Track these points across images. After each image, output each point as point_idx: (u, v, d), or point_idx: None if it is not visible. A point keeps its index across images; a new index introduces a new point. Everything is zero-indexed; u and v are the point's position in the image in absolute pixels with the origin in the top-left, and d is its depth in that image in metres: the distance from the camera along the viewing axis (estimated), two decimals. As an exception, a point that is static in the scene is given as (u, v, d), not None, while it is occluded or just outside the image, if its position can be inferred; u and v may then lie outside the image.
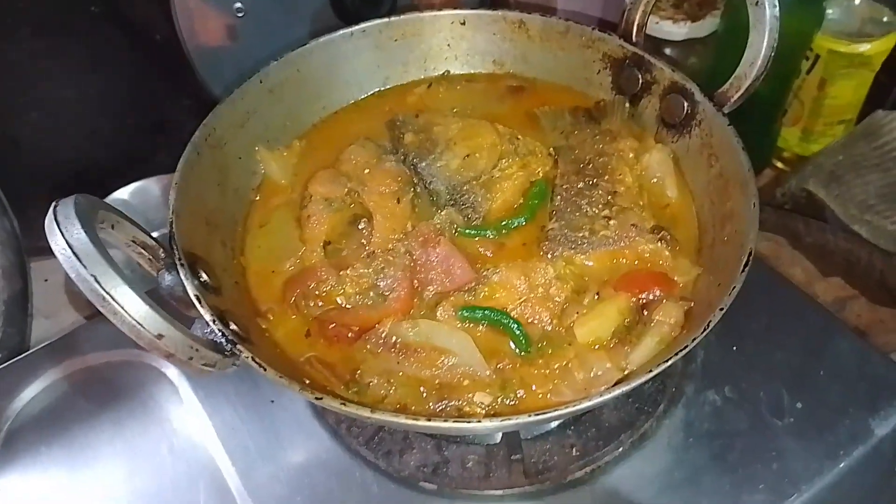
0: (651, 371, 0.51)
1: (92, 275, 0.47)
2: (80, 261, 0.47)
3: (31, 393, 0.76)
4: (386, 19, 0.79)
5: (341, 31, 0.78)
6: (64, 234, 0.48)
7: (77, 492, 0.70)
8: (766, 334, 0.75)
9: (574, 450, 0.67)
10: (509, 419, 0.51)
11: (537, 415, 0.50)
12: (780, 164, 1.07)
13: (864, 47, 0.91)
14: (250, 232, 0.71)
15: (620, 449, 0.68)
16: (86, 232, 0.48)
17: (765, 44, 0.65)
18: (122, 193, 0.99)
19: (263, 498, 0.67)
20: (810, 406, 0.69)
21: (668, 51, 1.00)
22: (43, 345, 0.81)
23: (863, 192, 0.93)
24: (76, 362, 0.79)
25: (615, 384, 0.56)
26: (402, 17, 0.79)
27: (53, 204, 0.50)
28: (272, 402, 0.73)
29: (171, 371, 0.76)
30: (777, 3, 0.64)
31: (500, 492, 0.66)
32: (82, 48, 0.96)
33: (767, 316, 0.76)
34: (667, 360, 0.52)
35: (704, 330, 0.53)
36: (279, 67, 0.75)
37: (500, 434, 0.66)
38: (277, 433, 0.72)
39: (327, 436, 0.71)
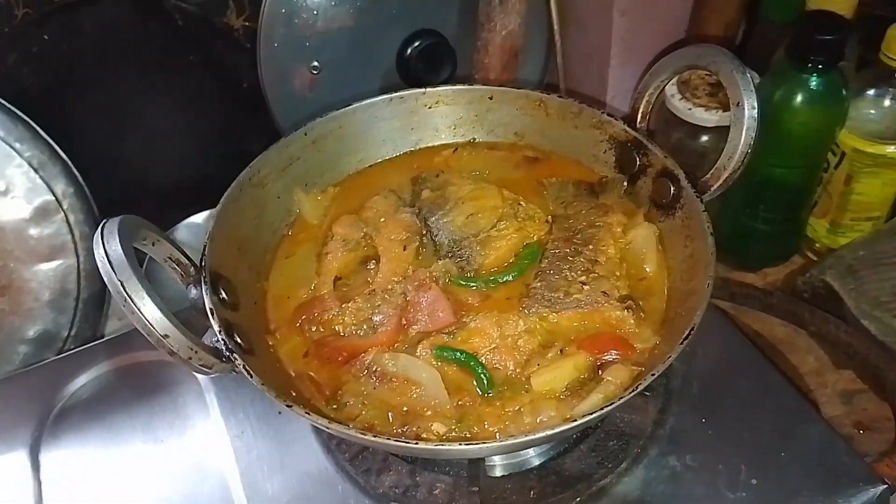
0: (576, 421, 0.58)
1: (119, 280, 0.58)
2: (112, 268, 0.58)
3: (84, 379, 0.88)
4: (422, 90, 0.89)
5: (381, 97, 0.88)
6: (104, 245, 0.59)
7: (108, 466, 0.82)
8: (739, 412, 0.78)
9: (532, 493, 0.73)
10: (442, 445, 0.58)
11: (467, 444, 0.57)
12: (809, 254, 1.09)
13: (891, 149, 0.93)
14: (277, 261, 0.81)
15: (578, 499, 0.73)
16: (122, 245, 0.59)
17: (741, 141, 0.71)
18: (198, 218, 1.13)
19: (257, 492, 0.76)
20: (765, 484, 0.72)
21: (704, 136, 1.05)
22: (102, 340, 0.94)
23: (877, 288, 0.95)
24: (127, 358, 0.90)
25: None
26: (437, 88, 0.89)
27: (104, 221, 0.62)
28: (279, 413, 0.83)
29: (202, 376, 0.88)
30: (756, 107, 0.70)
31: (459, 521, 0.72)
32: (178, 88, 1.12)
33: (744, 395, 0.79)
34: (591, 414, 0.58)
35: (632, 391, 0.59)
36: (324, 123, 0.85)
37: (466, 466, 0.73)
38: (280, 442, 0.80)
39: (321, 450, 0.79)
